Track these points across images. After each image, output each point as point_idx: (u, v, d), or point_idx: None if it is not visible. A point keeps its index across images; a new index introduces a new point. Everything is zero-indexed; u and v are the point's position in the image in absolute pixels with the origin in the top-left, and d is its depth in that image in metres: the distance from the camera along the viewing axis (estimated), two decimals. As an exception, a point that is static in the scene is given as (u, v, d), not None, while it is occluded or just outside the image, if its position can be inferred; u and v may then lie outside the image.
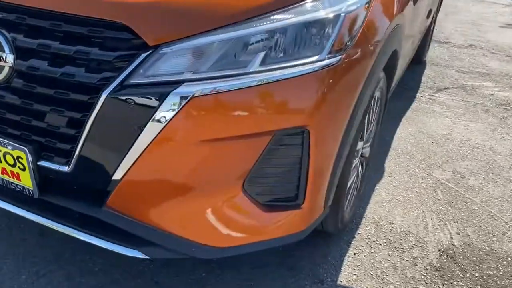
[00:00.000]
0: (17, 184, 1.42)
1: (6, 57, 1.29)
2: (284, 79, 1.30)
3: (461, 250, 2.06)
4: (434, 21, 4.51)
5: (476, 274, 1.94)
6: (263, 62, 1.29)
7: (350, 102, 1.51)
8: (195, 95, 1.22)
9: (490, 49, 5.22)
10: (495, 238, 2.16)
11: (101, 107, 1.22)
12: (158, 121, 1.22)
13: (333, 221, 1.84)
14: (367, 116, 1.82)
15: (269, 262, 1.88)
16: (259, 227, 1.48)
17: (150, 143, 1.24)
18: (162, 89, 1.22)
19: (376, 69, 1.64)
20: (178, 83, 1.23)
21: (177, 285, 1.73)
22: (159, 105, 1.21)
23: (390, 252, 2.01)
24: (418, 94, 3.78)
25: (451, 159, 2.83)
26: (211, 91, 1.23)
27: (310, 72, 1.33)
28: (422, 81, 4.10)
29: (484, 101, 3.78)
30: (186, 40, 1.23)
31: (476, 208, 2.37)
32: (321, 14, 1.37)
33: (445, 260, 1.99)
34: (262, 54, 1.29)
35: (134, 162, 1.27)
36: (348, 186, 1.90)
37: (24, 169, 1.37)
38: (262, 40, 1.29)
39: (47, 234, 1.88)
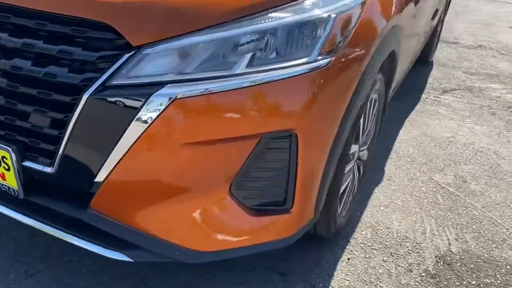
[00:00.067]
0: (2, 184, 1.41)
1: (-10, 56, 1.28)
2: (271, 81, 1.27)
3: (458, 257, 2.02)
4: (441, 21, 4.44)
5: (473, 282, 1.89)
6: (249, 64, 1.26)
7: (341, 105, 1.47)
8: (178, 97, 1.19)
9: (500, 50, 5.13)
10: (494, 245, 2.11)
11: (82, 108, 1.21)
12: (140, 123, 1.20)
13: (325, 226, 1.81)
14: (362, 119, 1.78)
15: (261, 265, 1.85)
16: (246, 231, 1.45)
17: (132, 145, 1.22)
18: (145, 91, 1.19)
19: (371, 70, 1.60)
20: (161, 84, 1.20)
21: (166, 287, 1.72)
22: (141, 107, 1.19)
23: (385, 258, 1.97)
24: (423, 96, 3.72)
25: (454, 162, 2.77)
26: (195, 93, 1.21)
27: (298, 75, 1.30)
28: (428, 82, 4.03)
29: (491, 103, 3.71)
30: (170, 41, 1.21)
31: (477, 214, 2.32)
32: (311, 15, 1.34)
33: (441, 267, 1.95)
34: (248, 55, 1.26)
35: (116, 164, 1.25)
36: (342, 190, 1.87)
37: (9, 169, 1.36)
38: (248, 41, 1.26)
39: (38, 234, 1.84)
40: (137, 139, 1.21)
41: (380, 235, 2.10)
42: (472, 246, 2.09)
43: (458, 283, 1.87)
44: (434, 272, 1.92)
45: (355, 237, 2.07)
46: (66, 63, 1.24)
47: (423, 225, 2.19)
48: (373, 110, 1.99)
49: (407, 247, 2.05)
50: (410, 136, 3.04)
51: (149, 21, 1.22)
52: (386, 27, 1.66)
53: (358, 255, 1.97)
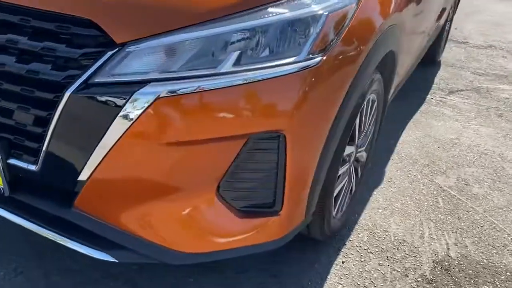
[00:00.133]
0: (-12, 181, 1.40)
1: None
2: (258, 81, 1.24)
3: (457, 262, 1.97)
4: (450, 20, 4.36)
5: (471, 289, 1.85)
6: (236, 63, 1.23)
7: (333, 106, 1.44)
8: (161, 96, 1.17)
9: (510, 50, 5.03)
10: (495, 251, 2.06)
11: (65, 105, 1.19)
12: (123, 122, 1.17)
13: (319, 228, 1.77)
14: (358, 120, 1.74)
15: (253, 267, 1.82)
16: (234, 233, 1.43)
17: (115, 144, 1.20)
18: (128, 89, 1.17)
19: (366, 70, 1.56)
20: (145, 82, 1.18)
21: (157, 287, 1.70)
22: (124, 105, 1.16)
23: (381, 262, 1.93)
24: (429, 96, 3.65)
25: (457, 165, 2.71)
26: (179, 92, 1.18)
27: (287, 74, 1.27)
28: (434, 82, 3.97)
29: (499, 104, 3.63)
30: (154, 38, 1.18)
31: (478, 218, 2.26)
32: (301, 12, 1.30)
33: (438, 272, 1.90)
34: (235, 54, 1.23)
35: (99, 163, 1.23)
36: (337, 192, 1.83)
37: (-6, 167, 1.35)
38: (234, 40, 1.23)
39: (29, 231, 1.85)
40: (119, 138, 1.19)
41: (377, 238, 2.06)
42: (472, 251, 2.04)
43: (455, 289, 1.83)
44: (431, 277, 1.88)
45: (351, 240, 2.03)
46: (49, 60, 1.22)
47: (421, 229, 2.14)
48: (371, 111, 1.95)
49: (404, 251, 2.00)
50: (413, 137, 2.98)
51: (133, 18, 1.20)
52: (383, 26, 1.62)
53: (353, 259, 1.93)
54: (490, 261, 2.00)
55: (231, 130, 1.26)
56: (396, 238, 2.07)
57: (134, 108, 1.17)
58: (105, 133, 1.19)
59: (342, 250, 1.97)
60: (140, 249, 1.36)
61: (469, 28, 5.72)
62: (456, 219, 2.24)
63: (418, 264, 1.94)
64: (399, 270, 1.90)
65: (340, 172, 1.76)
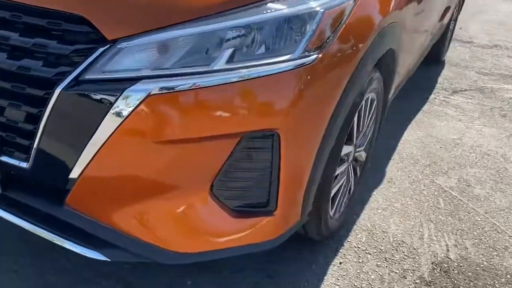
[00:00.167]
0: (-20, 179, 1.39)
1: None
2: (251, 79, 1.22)
3: (456, 264, 1.94)
4: (454, 19, 4.32)
5: (470, 291, 1.82)
6: (229, 60, 1.21)
7: (329, 104, 1.41)
8: (152, 93, 1.15)
9: (516, 50, 4.98)
10: (495, 253, 2.03)
11: (55, 102, 1.18)
12: (113, 119, 1.16)
13: (316, 228, 1.75)
14: (356, 119, 1.72)
15: (248, 266, 1.81)
16: (228, 233, 1.41)
17: (105, 142, 1.18)
18: (118, 86, 1.16)
19: (364, 68, 1.54)
20: (136, 79, 1.16)
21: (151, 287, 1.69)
22: (114, 103, 1.15)
23: (379, 263, 1.90)
24: (432, 96, 3.62)
25: (458, 165, 2.68)
26: (170, 89, 1.17)
27: (281, 72, 1.25)
28: (438, 82, 3.93)
29: (503, 105, 3.59)
30: (146, 35, 1.17)
31: (479, 219, 2.23)
32: (297, 9, 1.28)
33: (437, 274, 1.88)
34: (228, 51, 1.21)
35: (90, 161, 1.21)
36: (334, 192, 1.81)
37: (-14, 164, 1.34)
38: (228, 37, 1.21)
39: (25, 230, 1.85)
40: (110, 136, 1.17)
41: (375, 239, 2.04)
42: (472, 253, 2.01)
43: (454, 292, 1.81)
44: (430, 279, 1.85)
45: (349, 240, 2.01)
46: (40, 56, 1.21)
47: (421, 230, 2.12)
48: (370, 110, 1.92)
49: (403, 252, 1.98)
50: (414, 137, 2.95)
51: (125, 15, 1.19)
52: (381, 23, 1.59)
53: (351, 259, 1.91)
54: (491, 263, 1.97)
55: (224, 129, 1.24)
56: (395, 239, 2.05)
57: (125, 106, 1.15)
58: (95, 130, 1.17)
59: (340, 250, 1.95)
60: (132, 248, 1.34)
61: (474, 27, 5.67)
62: (456, 220, 2.21)
63: (416, 265, 1.91)
64: (397, 271, 1.87)
65: (337, 172, 1.74)
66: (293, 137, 1.33)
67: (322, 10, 1.32)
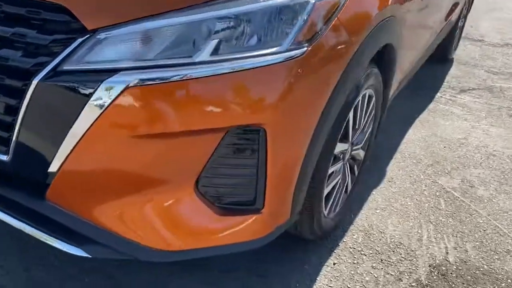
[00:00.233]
0: (-38, 171, 1.37)
1: None
2: (236, 72, 1.17)
3: (455, 267, 1.88)
4: (464, 16, 4.22)
5: (468, 296, 1.76)
6: (214, 52, 1.17)
7: (320, 100, 1.36)
8: (131, 85, 1.11)
9: (528, 49, 4.86)
10: (496, 256, 1.96)
11: (32, 93, 1.14)
12: (91, 112, 1.12)
13: (308, 228, 1.71)
14: (351, 116, 1.67)
15: (239, 266, 1.76)
16: (213, 231, 1.37)
17: (84, 135, 1.14)
18: (96, 78, 1.12)
19: (358, 63, 1.48)
20: (115, 71, 1.13)
21: (137, 284, 1.65)
22: (92, 95, 1.11)
23: (374, 264, 1.85)
24: (438, 95, 3.54)
25: (462, 166, 2.61)
26: (150, 81, 1.13)
27: (268, 65, 1.21)
28: (445, 80, 3.84)
29: (511, 104, 3.50)
30: (126, 25, 1.13)
31: (481, 222, 2.16)
32: (286, 0, 1.23)
33: (434, 277, 1.82)
34: (213, 43, 1.17)
35: (69, 154, 1.18)
36: (329, 191, 1.76)
37: (-33, 156, 1.31)
38: (214, 27, 1.17)
39: (9, 225, 1.83)
40: (88, 129, 1.14)
41: (372, 239, 1.98)
42: (472, 256, 1.94)
43: (451, 296, 1.75)
44: (426, 282, 1.79)
45: (345, 240, 1.96)
46: (20, 46, 1.18)
47: (420, 231, 2.05)
48: (368, 107, 1.87)
49: (400, 254, 1.92)
50: (418, 136, 2.88)
51: (106, 4, 1.15)
52: (377, 17, 1.54)
53: (345, 260, 1.86)
54: (491, 267, 1.90)
55: (207, 123, 1.20)
56: (392, 240, 1.99)
57: (103, 98, 1.11)
58: (73, 123, 1.14)
59: (335, 251, 1.90)
60: (113, 245, 1.31)
61: (485, 25, 5.55)
62: (457, 222, 2.15)
63: (413, 268, 1.85)
64: (393, 273, 1.82)
65: (331, 170, 1.69)
66: (281, 133, 1.28)
67: (314, 1, 1.27)
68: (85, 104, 1.12)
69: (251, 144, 1.26)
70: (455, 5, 3.35)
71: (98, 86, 1.11)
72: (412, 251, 1.94)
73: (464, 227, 2.11)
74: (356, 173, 2.07)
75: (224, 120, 1.21)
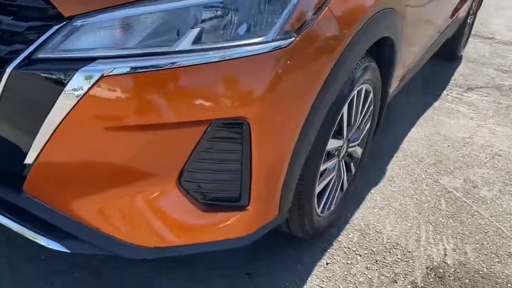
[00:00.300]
0: None
1: None
2: (217, 62, 1.13)
3: (453, 269, 1.81)
4: (473, 13, 4.12)
5: (465, 300, 1.69)
6: (196, 41, 1.12)
7: (309, 93, 1.31)
8: (106, 74, 1.07)
9: (540, 47, 4.74)
10: (497, 259, 1.89)
11: (6, 82, 1.10)
12: (66, 101, 1.08)
13: (299, 226, 1.65)
14: (346, 111, 1.61)
15: (229, 264, 1.72)
16: (196, 227, 1.32)
17: (59, 125, 1.10)
18: (71, 66, 1.07)
19: (351, 56, 1.42)
20: (91, 59, 1.08)
21: (123, 281, 1.61)
22: (67, 84, 1.07)
23: (369, 265, 1.79)
24: (444, 92, 3.45)
25: (466, 165, 2.53)
26: (127, 70, 1.08)
27: (252, 55, 1.15)
28: (452, 78, 3.75)
29: (520, 103, 3.41)
30: (104, 12, 1.08)
31: (483, 223, 2.09)
32: (272, -13, 1.18)
33: (431, 280, 1.75)
34: (195, 31, 1.12)
35: (44, 145, 1.14)
36: (322, 189, 1.70)
37: None
38: (197, 15, 1.12)
39: None
40: (63, 120, 1.09)
41: (368, 239, 1.92)
42: (471, 259, 1.87)
43: (448, 300, 1.68)
44: (422, 285, 1.73)
45: (339, 240, 1.90)
46: (-5, 34, 1.14)
47: (418, 232, 1.99)
48: (364, 103, 1.80)
49: (396, 255, 1.86)
50: (421, 135, 2.80)
51: (83, -11, 1.10)
52: (373, 8, 1.48)
53: (339, 260, 1.80)
54: (491, 270, 1.83)
55: (188, 115, 1.15)
56: (389, 240, 1.93)
57: (78, 87, 1.07)
58: (48, 113, 1.10)
59: (328, 250, 1.84)
60: (93, 240, 1.27)
61: (497, 23, 5.42)
62: (458, 223, 2.08)
63: (409, 269, 1.79)
64: (387, 275, 1.76)
65: (324, 167, 1.63)
66: (266, 127, 1.23)
67: (302, -11, 1.21)
68: (60, 93, 1.08)
69: (234, 139, 1.21)
70: (462, 1, 3.26)
71: (73, 75, 1.06)
72: (409, 252, 1.88)
73: (465, 229, 2.04)
74: (353, 171, 2.01)
75: (205, 113, 1.16)
